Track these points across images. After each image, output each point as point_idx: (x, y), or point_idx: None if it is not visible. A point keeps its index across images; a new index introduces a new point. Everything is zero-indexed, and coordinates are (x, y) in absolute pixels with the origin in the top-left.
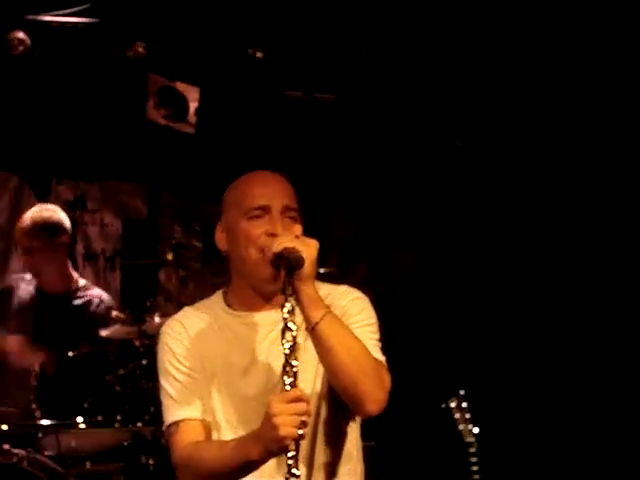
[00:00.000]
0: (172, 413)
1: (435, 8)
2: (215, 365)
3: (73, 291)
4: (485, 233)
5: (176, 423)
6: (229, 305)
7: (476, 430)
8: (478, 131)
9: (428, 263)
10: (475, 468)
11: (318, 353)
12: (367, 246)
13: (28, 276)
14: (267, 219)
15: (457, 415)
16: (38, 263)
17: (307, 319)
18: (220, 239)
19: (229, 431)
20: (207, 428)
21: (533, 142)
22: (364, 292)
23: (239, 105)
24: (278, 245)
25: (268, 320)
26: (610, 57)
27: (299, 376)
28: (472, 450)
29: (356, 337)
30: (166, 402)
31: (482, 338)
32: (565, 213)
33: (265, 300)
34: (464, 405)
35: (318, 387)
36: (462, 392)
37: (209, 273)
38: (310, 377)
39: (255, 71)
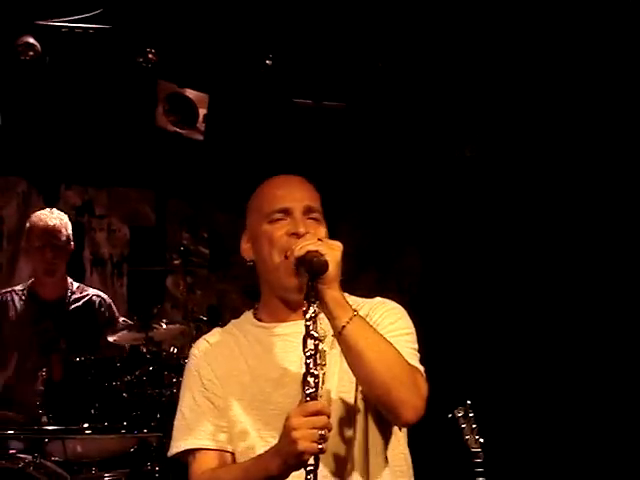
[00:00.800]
0: (186, 440)
1: (446, 18)
2: (245, 382)
3: (69, 295)
4: (492, 241)
5: (193, 452)
6: (258, 319)
7: (482, 440)
8: (485, 139)
9: (436, 271)
10: (481, 478)
11: (347, 360)
12: (375, 254)
13: (19, 287)
14: (289, 221)
15: (463, 425)
16: (52, 272)
17: (333, 323)
18: (246, 250)
19: (263, 445)
20: (223, 457)
21: (538, 150)
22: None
23: (248, 112)
24: (300, 249)
25: (297, 330)
26: (624, 70)
27: (335, 385)
28: (478, 460)
29: (388, 341)
30: (179, 422)
31: (489, 347)
32: (571, 219)
33: (292, 310)
34: (470, 415)
35: (359, 396)
36: (469, 402)
37: (216, 280)
38: (349, 386)
39: (264, 78)
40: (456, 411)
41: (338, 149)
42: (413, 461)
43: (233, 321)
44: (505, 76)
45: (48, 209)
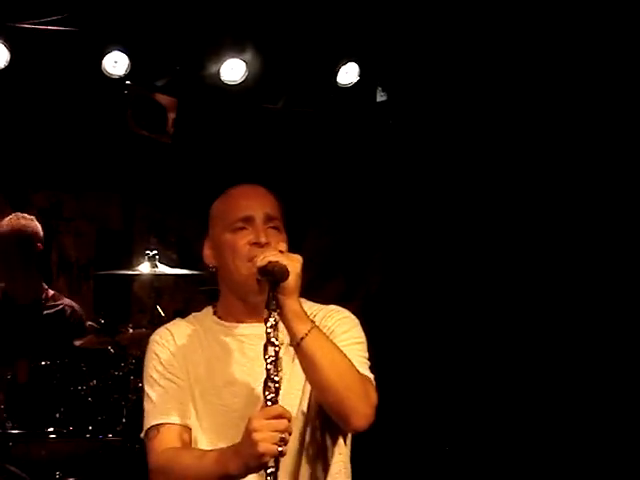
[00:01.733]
0: (152, 417)
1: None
2: (199, 373)
3: (43, 300)
4: (460, 247)
5: (156, 427)
6: (218, 317)
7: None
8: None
9: (402, 276)
10: None
11: (303, 369)
12: (343, 260)
13: None
14: (251, 230)
15: None
16: (11, 270)
17: (292, 334)
18: (208, 255)
19: (206, 439)
20: (187, 435)
21: (508, 154)
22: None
23: (217, 117)
24: (262, 259)
25: (254, 332)
26: (598, 52)
27: (282, 392)
28: None
29: (342, 353)
30: (147, 407)
31: (459, 352)
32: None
33: (252, 312)
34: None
35: (305, 404)
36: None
37: (183, 285)
38: (296, 393)
39: (234, 84)
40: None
41: (306, 154)
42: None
43: (194, 314)
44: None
45: (17, 213)
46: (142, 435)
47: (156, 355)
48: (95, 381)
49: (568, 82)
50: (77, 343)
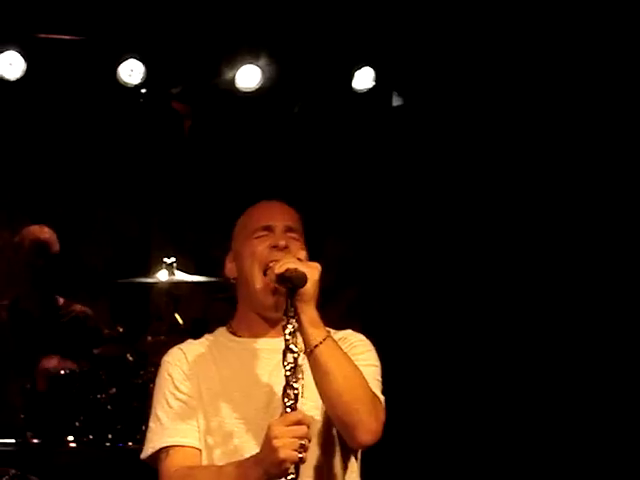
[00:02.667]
0: (161, 439)
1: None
2: (214, 389)
3: (56, 310)
4: (476, 252)
5: (166, 449)
6: (233, 333)
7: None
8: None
9: (421, 284)
10: None
11: (315, 377)
12: (360, 269)
13: (4, 302)
14: (271, 236)
15: None
16: (26, 281)
17: (307, 341)
18: (230, 269)
19: (222, 455)
20: (198, 457)
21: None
22: (356, 315)
23: (232, 124)
24: (280, 267)
25: (271, 346)
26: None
27: (301, 400)
28: None
29: (355, 366)
30: (154, 427)
31: (475, 359)
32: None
33: (269, 327)
34: None
35: (321, 413)
36: None
37: (202, 292)
38: (314, 402)
39: (249, 91)
40: None
41: (323, 160)
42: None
43: (207, 335)
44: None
45: (38, 225)
46: (143, 456)
47: (169, 376)
48: (114, 389)
49: (589, 92)
50: (96, 351)
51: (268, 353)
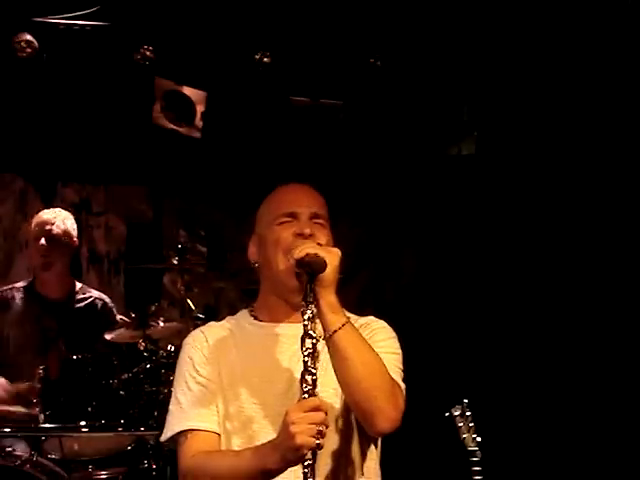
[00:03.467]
0: (180, 422)
1: (441, 14)
2: (235, 373)
3: (73, 295)
4: (489, 240)
5: (185, 433)
6: (254, 317)
7: (479, 439)
8: (484, 138)
9: (432, 269)
10: (478, 477)
11: (333, 363)
12: (374, 252)
13: (19, 284)
14: (295, 223)
15: (461, 423)
16: (46, 265)
17: (325, 326)
18: (252, 253)
19: (240, 440)
20: (217, 441)
21: (537, 149)
22: (369, 298)
23: (245, 110)
24: (300, 251)
25: (292, 332)
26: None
27: (321, 386)
28: (475, 459)
29: (375, 353)
30: (174, 410)
31: (486, 345)
32: (568, 218)
33: (291, 311)
34: (468, 413)
35: (340, 400)
36: (466, 400)
37: (213, 278)
38: (333, 388)
39: (262, 76)
40: (453, 409)
41: (336, 146)
42: (412, 459)
43: (229, 317)
44: (505, 73)
45: (52, 209)
46: (163, 439)
47: (189, 358)
48: (127, 375)
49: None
50: (108, 337)
51: (288, 338)
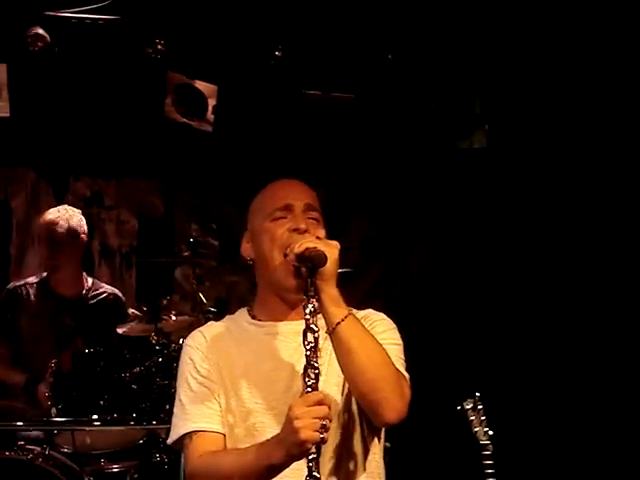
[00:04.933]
0: (185, 424)
1: (452, 7)
2: (235, 373)
3: (86, 291)
4: (500, 233)
5: (190, 434)
6: (253, 317)
7: (491, 432)
8: (495, 133)
9: (444, 263)
10: (490, 470)
11: (337, 356)
12: (385, 246)
13: (31, 279)
14: (290, 218)
15: (472, 417)
16: (57, 261)
17: (328, 320)
18: (246, 249)
19: (243, 439)
20: (222, 442)
21: (546, 145)
22: (380, 292)
23: (257, 104)
24: (300, 246)
25: (292, 330)
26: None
27: (323, 383)
28: (487, 452)
29: (379, 343)
30: (178, 413)
31: (498, 339)
32: (576, 214)
33: (289, 310)
34: (480, 407)
35: (343, 394)
36: (478, 394)
37: (225, 271)
38: (336, 384)
39: (274, 70)
40: (465, 403)
41: (348, 140)
42: (423, 452)
43: (228, 316)
44: (516, 66)
45: (62, 206)
46: (169, 442)
47: (190, 360)
48: (138, 368)
49: None
50: (120, 330)
51: (287, 336)
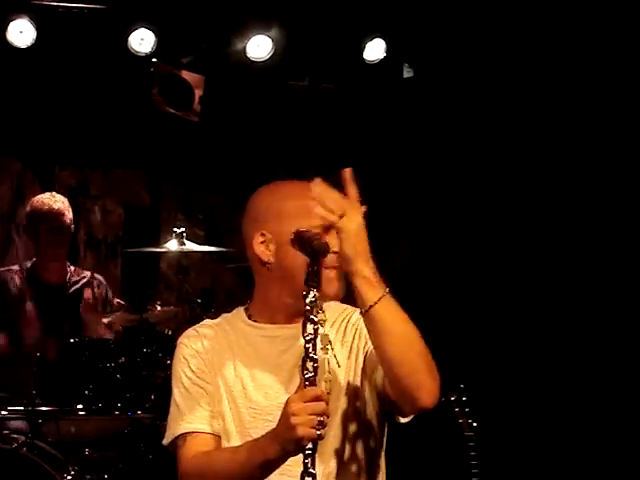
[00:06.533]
0: (179, 425)
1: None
2: (229, 375)
3: (69, 278)
4: (483, 227)
5: (183, 435)
6: (250, 316)
7: (475, 424)
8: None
9: (427, 257)
10: (474, 461)
11: (372, 338)
12: (373, 238)
13: (15, 267)
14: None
15: (457, 409)
16: (44, 249)
17: (361, 301)
18: (264, 252)
19: (241, 441)
20: (216, 442)
21: (539, 145)
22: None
23: (243, 94)
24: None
25: (289, 334)
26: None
27: (336, 369)
28: (471, 443)
29: (413, 324)
30: (173, 413)
31: (483, 331)
32: (565, 208)
33: (292, 316)
34: (464, 399)
35: (348, 387)
36: (462, 386)
37: (210, 262)
38: (344, 375)
39: (260, 61)
40: (449, 395)
41: (333, 131)
42: (407, 443)
43: (224, 315)
44: (508, 68)
45: (49, 193)
46: (165, 442)
47: (184, 359)
48: (124, 358)
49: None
50: (105, 320)
51: (284, 340)
